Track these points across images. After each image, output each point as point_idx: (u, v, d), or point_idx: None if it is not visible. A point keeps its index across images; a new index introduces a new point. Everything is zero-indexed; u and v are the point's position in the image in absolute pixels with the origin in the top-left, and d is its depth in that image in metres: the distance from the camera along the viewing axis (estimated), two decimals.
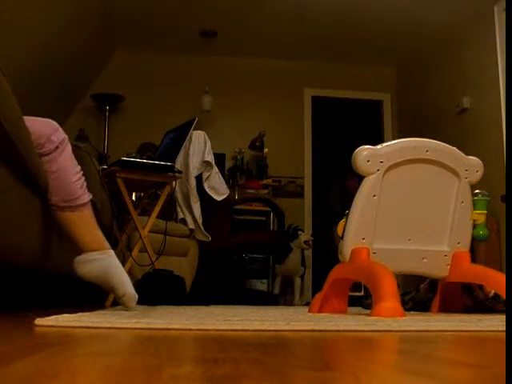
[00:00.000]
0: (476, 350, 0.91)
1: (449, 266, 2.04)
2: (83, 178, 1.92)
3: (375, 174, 1.91)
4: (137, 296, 1.91)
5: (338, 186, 5.27)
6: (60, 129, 1.88)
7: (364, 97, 6.12)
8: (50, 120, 1.88)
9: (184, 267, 3.72)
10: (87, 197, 1.90)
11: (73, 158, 1.90)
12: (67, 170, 1.85)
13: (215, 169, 4.02)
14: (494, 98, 4.38)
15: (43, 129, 1.82)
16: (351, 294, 2.83)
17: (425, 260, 2.02)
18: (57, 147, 1.83)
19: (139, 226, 2.89)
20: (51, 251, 1.94)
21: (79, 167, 1.92)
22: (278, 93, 5.96)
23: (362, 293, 4.60)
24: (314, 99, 6.05)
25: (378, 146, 1.96)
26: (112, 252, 1.92)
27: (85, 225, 1.89)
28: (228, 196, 4.16)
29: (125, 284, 1.88)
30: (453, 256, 2.04)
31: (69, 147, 1.89)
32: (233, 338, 1.01)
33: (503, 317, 1.52)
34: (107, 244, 1.93)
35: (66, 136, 1.90)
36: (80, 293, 2.73)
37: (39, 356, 0.69)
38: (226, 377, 0.54)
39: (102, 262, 1.87)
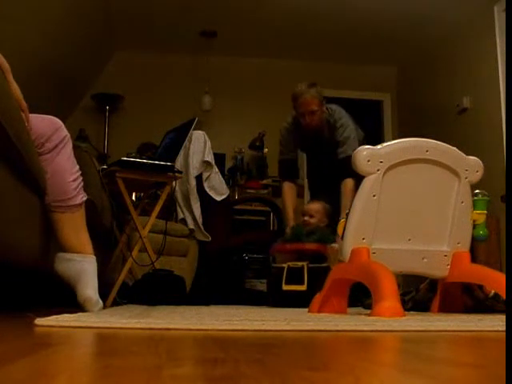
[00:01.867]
0: (476, 350, 0.91)
1: (449, 266, 2.04)
2: (80, 179, 1.90)
3: (375, 174, 1.91)
4: (101, 302, 1.86)
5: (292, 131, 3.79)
6: (62, 127, 1.86)
7: (364, 97, 6.12)
8: (52, 118, 1.86)
9: (184, 267, 3.72)
10: (81, 198, 1.88)
11: (72, 157, 1.88)
12: (63, 170, 1.84)
13: (215, 169, 4.02)
14: (494, 97, 4.38)
15: (45, 128, 1.81)
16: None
17: (425, 260, 2.01)
18: (56, 146, 1.82)
19: (139, 226, 2.88)
20: (51, 251, 1.94)
21: (77, 167, 1.90)
22: (277, 93, 5.95)
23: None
24: None
25: (378, 146, 1.95)
26: (92, 258, 1.90)
27: (72, 227, 1.87)
28: (228, 196, 4.16)
29: (87, 288, 1.83)
30: (453, 256, 2.04)
31: (68, 146, 1.87)
32: (233, 338, 1.01)
33: (503, 317, 1.52)
34: (90, 249, 1.90)
35: (68, 134, 1.87)
36: None
37: (39, 356, 0.69)
38: (226, 377, 0.54)
39: (78, 264, 1.86)
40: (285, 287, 3.12)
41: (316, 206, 3.60)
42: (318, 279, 2.97)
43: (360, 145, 3.52)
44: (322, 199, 3.67)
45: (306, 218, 3.55)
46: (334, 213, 3.50)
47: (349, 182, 3.45)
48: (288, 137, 3.83)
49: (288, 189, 3.83)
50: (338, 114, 3.70)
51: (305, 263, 3.12)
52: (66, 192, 1.84)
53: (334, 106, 3.74)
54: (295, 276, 3.10)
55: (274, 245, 3.45)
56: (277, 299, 3.15)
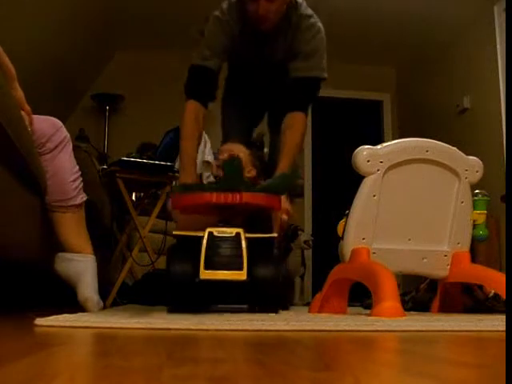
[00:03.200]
0: (476, 350, 0.91)
1: (449, 266, 2.04)
2: (80, 179, 1.91)
3: (375, 174, 1.91)
4: (101, 302, 1.88)
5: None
6: (62, 128, 1.87)
7: (364, 97, 6.12)
8: (52, 118, 1.87)
9: None
10: (80, 198, 1.89)
11: (72, 157, 1.89)
12: (64, 170, 1.85)
13: None
14: (494, 97, 4.38)
15: (45, 128, 1.82)
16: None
17: (425, 260, 2.01)
18: (56, 146, 1.83)
19: (139, 226, 2.89)
20: (51, 251, 1.94)
21: (77, 167, 1.91)
22: None
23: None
24: None
25: (378, 146, 1.95)
26: (92, 257, 1.91)
27: (72, 227, 1.88)
28: None
29: (88, 288, 1.84)
30: (453, 256, 2.04)
31: (69, 147, 1.88)
32: (233, 338, 1.01)
33: (503, 317, 1.52)
34: (90, 249, 1.92)
35: (68, 135, 1.89)
36: None
37: (39, 356, 0.69)
38: (225, 377, 0.54)
39: (78, 264, 1.87)
40: (204, 274, 1.70)
41: (241, 147, 2.20)
42: (265, 260, 1.76)
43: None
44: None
45: (222, 157, 2.07)
46: (269, 167, 2.33)
47: (299, 118, 2.31)
48: (217, 33, 2.44)
49: (193, 112, 2.30)
50: (305, 9, 2.41)
51: (240, 230, 1.75)
52: (66, 192, 1.84)
53: (305, 7, 2.45)
54: (224, 254, 1.73)
55: (175, 195, 1.92)
56: (183, 298, 1.77)
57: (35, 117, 1.78)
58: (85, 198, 1.92)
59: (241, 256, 1.72)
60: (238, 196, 1.75)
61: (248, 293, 1.75)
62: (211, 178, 3.98)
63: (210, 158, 3.92)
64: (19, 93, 1.69)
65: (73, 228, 1.88)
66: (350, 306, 2.14)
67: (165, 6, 4.86)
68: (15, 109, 1.56)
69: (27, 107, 1.70)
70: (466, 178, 2.03)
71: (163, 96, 5.74)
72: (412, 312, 2.12)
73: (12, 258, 1.78)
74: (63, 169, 1.85)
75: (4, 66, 1.63)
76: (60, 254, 1.88)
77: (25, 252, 1.82)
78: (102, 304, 1.87)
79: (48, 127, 1.83)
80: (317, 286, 2.45)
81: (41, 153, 1.80)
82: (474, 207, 2.11)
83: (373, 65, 6.03)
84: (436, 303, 2.14)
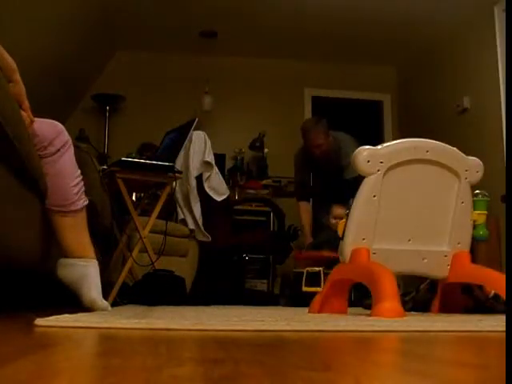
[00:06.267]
0: (476, 350, 0.91)
1: (449, 267, 2.04)
2: (82, 183, 1.90)
3: (375, 174, 1.91)
4: (106, 305, 1.88)
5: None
6: (64, 131, 1.86)
7: (364, 97, 6.12)
8: (55, 122, 1.86)
9: (184, 267, 3.72)
10: (82, 203, 1.88)
11: (73, 161, 1.88)
12: (65, 174, 1.83)
13: (215, 169, 4.02)
14: (494, 98, 4.38)
15: (47, 132, 1.81)
16: None
17: (425, 260, 2.01)
18: (58, 150, 1.82)
19: (139, 227, 2.88)
20: (51, 253, 1.94)
21: (79, 171, 1.90)
22: (278, 93, 5.95)
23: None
24: (314, 99, 6.04)
25: (378, 147, 1.95)
26: (95, 262, 1.90)
27: (74, 231, 1.87)
28: (228, 196, 4.16)
29: (92, 291, 1.84)
30: (453, 256, 2.04)
31: (70, 150, 1.87)
32: (233, 338, 1.01)
33: (503, 317, 1.52)
34: (92, 253, 1.91)
35: (70, 139, 1.88)
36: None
37: (39, 356, 0.69)
38: (226, 377, 0.54)
39: (81, 269, 1.86)
40: None
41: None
42: None
43: None
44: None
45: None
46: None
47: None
48: (300, 163, 4.33)
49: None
50: (342, 142, 4.04)
51: None
52: (67, 197, 1.83)
53: (339, 135, 4.09)
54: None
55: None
56: None
57: (37, 120, 1.77)
58: (86, 203, 1.91)
59: None
60: None
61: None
62: (211, 178, 3.98)
63: (209, 157, 3.92)
64: (19, 87, 1.67)
65: (74, 232, 1.87)
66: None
67: (165, 6, 4.86)
68: (12, 104, 1.54)
69: (26, 103, 1.69)
70: (466, 178, 2.03)
71: (163, 96, 5.74)
72: (412, 312, 2.12)
73: (12, 260, 1.78)
74: (64, 173, 1.83)
75: (1, 60, 1.61)
76: (62, 260, 1.88)
77: (25, 253, 1.82)
78: (106, 305, 1.87)
79: (50, 131, 1.82)
80: None
81: (42, 156, 1.79)
82: (474, 207, 2.11)
83: (373, 65, 6.03)
84: (436, 303, 2.13)
